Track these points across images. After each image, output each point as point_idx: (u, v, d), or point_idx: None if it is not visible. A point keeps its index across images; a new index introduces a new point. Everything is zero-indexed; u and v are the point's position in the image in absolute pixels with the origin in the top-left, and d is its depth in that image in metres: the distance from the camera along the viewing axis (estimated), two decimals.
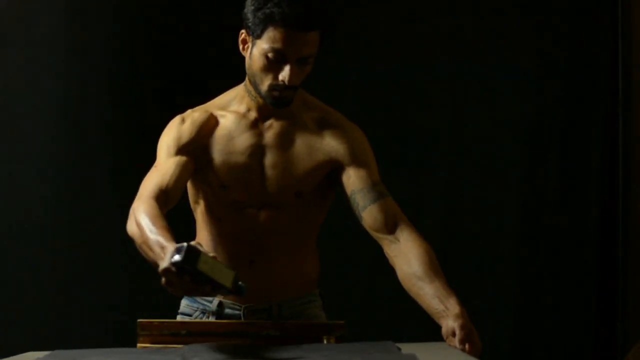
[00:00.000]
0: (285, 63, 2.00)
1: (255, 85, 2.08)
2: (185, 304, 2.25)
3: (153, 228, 1.86)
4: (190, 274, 1.67)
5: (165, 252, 1.74)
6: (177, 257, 1.66)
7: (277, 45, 1.98)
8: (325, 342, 1.94)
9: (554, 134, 3.42)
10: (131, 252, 3.18)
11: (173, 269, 1.68)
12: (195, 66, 3.28)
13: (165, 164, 2.08)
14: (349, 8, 3.31)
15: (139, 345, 1.94)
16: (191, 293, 1.76)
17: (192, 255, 1.66)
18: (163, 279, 1.71)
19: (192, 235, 2.23)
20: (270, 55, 2.00)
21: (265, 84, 2.04)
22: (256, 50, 2.03)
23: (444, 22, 3.40)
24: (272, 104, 2.07)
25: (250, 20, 2.01)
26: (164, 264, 1.70)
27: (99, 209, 3.24)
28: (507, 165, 3.41)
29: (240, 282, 1.71)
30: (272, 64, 2.01)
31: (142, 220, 1.89)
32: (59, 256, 3.23)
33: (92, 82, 3.25)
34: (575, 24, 3.42)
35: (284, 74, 2.01)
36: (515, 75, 3.42)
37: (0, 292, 3.19)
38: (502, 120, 3.41)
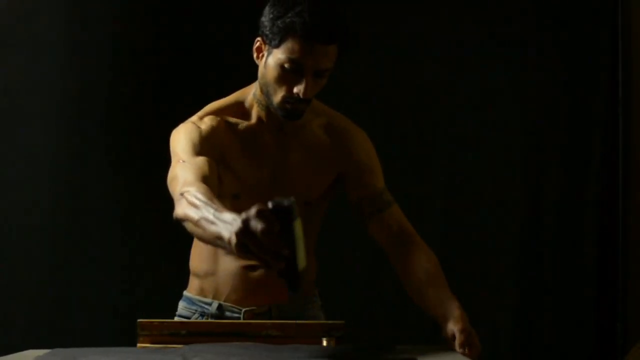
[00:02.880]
0: (301, 75, 1.95)
1: (267, 95, 2.03)
2: (183, 305, 2.24)
3: (213, 204, 1.72)
4: (282, 227, 1.53)
5: (237, 221, 1.56)
6: (285, 202, 1.53)
7: (295, 56, 1.94)
8: (325, 342, 1.94)
9: (554, 134, 3.42)
10: (131, 251, 3.23)
11: (269, 212, 1.52)
12: (196, 66, 3.28)
13: (193, 160, 1.98)
14: (349, 10, 3.30)
15: (139, 345, 1.94)
16: (261, 253, 1.53)
17: (294, 211, 1.54)
18: (241, 226, 1.53)
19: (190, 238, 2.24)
20: (287, 65, 1.95)
21: (279, 95, 1.99)
22: (272, 60, 1.98)
23: (444, 23, 3.40)
24: (284, 116, 2.03)
25: (268, 28, 1.96)
26: (256, 208, 1.53)
27: (99, 209, 3.24)
28: (506, 166, 3.41)
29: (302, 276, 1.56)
30: (288, 75, 1.96)
31: (198, 201, 1.76)
32: (58, 255, 3.23)
33: (92, 82, 3.25)
34: (575, 25, 3.42)
35: (300, 86, 1.96)
36: (515, 76, 3.42)
37: (0, 290, 3.19)
38: (502, 122, 3.41)
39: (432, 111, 3.40)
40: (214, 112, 2.11)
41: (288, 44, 1.94)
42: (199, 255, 2.22)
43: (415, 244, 2.09)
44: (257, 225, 1.52)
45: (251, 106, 2.11)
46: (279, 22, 1.94)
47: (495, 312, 3.36)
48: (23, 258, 3.20)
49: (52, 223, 3.23)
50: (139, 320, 1.94)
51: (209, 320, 2.16)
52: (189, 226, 1.79)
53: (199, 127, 2.06)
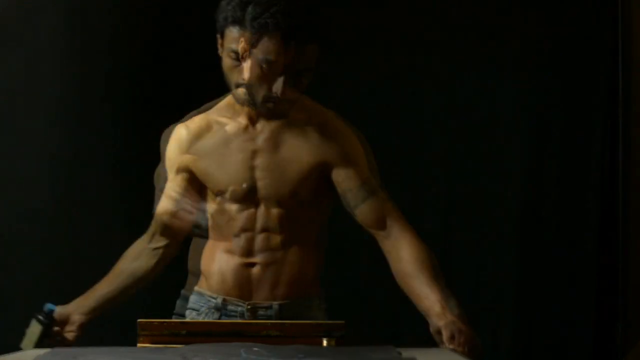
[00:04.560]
0: (245, 64, 2.06)
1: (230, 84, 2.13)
2: (193, 300, 2.25)
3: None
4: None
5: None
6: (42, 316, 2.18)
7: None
8: (325, 343, 1.94)
9: (554, 134, 3.42)
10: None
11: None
12: (195, 67, 3.28)
13: (172, 183, 2.16)
14: (346, 8, 3.30)
15: (139, 345, 1.94)
16: None
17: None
18: None
19: (189, 237, 2.25)
20: (232, 55, 2.09)
21: (232, 83, 2.10)
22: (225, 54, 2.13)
23: (443, 22, 3.40)
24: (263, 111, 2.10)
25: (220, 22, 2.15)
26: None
27: (99, 208, 3.24)
28: (506, 165, 3.41)
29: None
30: (234, 63, 2.08)
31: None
32: (58, 255, 3.23)
33: (92, 82, 3.25)
34: (576, 24, 3.42)
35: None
36: (515, 75, 3.41)
37: (0, 289, 3.20)
38: (502, 121, 3.41)
39: (432, 108, 3.40)
40: (205, 113, 2.19)
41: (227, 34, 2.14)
42: (197, 254, 2.24)
43: (403, 234, 2.11)
44: None
45: (233, 104, 2.16)
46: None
47: (495, 311, 3.36)
48: (22, 258, 3.20)
49: (52, 222, 3.23)
50: (139, 320, 1.94)
51: (214, 315, 2.16)
52: None
53: (186, 130, 2.16)
